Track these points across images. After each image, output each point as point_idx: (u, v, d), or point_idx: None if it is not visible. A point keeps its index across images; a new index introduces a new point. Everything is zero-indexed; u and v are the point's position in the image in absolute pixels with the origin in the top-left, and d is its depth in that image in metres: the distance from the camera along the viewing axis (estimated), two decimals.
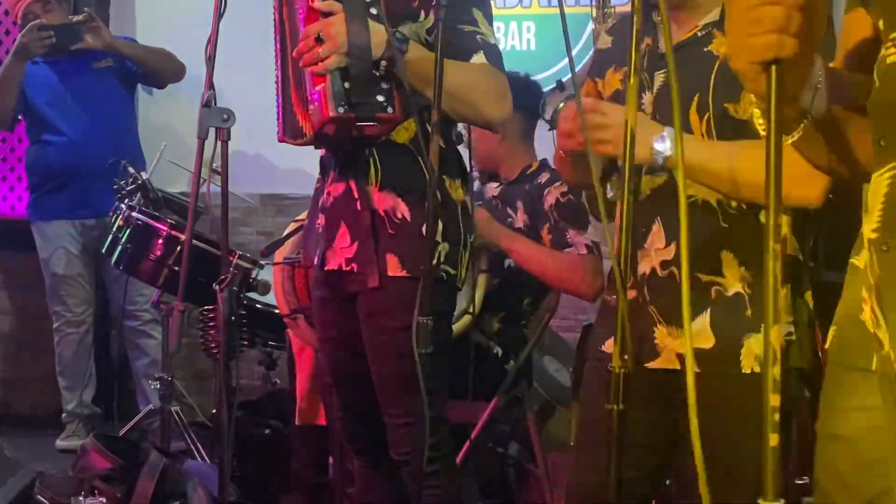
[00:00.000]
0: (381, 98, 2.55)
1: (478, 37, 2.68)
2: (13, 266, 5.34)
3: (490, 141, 3.84)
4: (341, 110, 2.54)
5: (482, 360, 3.88)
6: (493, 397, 3.79)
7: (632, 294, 2.36)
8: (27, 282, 5.05)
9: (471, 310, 3.64)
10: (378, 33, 2.50)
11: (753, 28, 1.14)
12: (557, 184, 3.92)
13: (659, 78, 2.30)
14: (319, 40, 2.50)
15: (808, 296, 2.37)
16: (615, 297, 2.35)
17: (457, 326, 3.38)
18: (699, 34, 2.25)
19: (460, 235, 2.79)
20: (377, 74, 2.56)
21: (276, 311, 3.82)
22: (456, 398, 3.63)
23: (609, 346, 2.39)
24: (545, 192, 3.93)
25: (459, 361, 3.69)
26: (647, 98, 2.31)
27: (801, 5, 1.13)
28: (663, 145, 2.20)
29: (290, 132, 2.77)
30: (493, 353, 3.88)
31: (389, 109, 2.54)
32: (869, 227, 1.37)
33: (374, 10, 2.53)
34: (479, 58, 2.65)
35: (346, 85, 2.54)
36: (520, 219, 3.95)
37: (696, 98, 2.21)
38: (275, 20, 2.79)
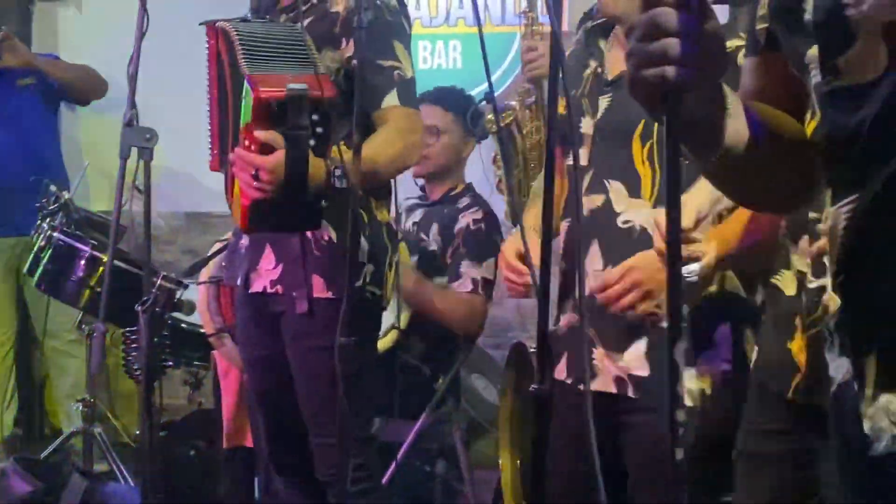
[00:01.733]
0: (304, 214, 2.68)
1: (395, 73, 2.72)
2: None
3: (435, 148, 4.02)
4: (256, 228, 2.73)
5: (410, 379, 3.92)
6: (421, 416, 3.83)
7: (570, 319, 2.42)
8: None
9: (397, 324, 3.63)
10: (316, 168, 2.55)
11: (641, 60, 1.15)
12: (474, 209, 4.00)
13: (603, 103, 2.34)
14: (260, 176, 2.54)
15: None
16: (559, 325, 2.45)
17: (383, 342, 3.39)
18: None
19: (386, 255, 2.83)
20: (305, 199, 2.64)
21: (202, 330, 3.86)
22: (383, 417, 3.73)
23: (560, 372, 2.41)
24: (460, 215, 3.99)
25: (387, 380, 3.78)
26: (587, 122, 2.36)
27: (689, 33, 1.13)
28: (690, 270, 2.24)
29: (220, 164, 2.86)
30: (420, 372, 3.95)
31: (315, 220, 2.70)
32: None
33: (312, 142, 2.57)
34: (391, 97, 2.70)
35: (270, 206, 2.63)
36: (433, 241, 4.02)
37: (640, 126, 2.25)
38: (210, 66, 2.85)
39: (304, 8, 2.76)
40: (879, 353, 1.19)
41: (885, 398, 1.18)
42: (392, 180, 2.96)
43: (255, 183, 2.53)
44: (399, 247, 3.17)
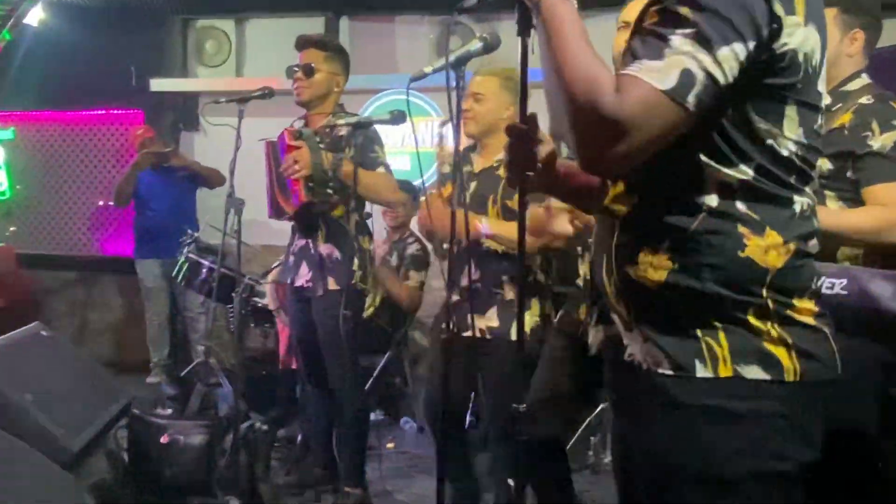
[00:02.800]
0: (329, 191, 2.96)
1: (379, 160, 3.09)
2: None
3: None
4: (307, 197, 2.94)
5: (380, 333, 4.27)
6: (388, 351, 4.34)
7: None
8: None
9: (375, 303, 4.13)
10: (326, 158, 2.94)
11: (510, 162, 1.39)
12: (416, 244, 4.37)
13: (472, 184, 2.81)
14: (295, 162, 2.91)
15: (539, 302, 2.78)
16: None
17: (366, 313, 3.81)
18: (494, 164, 2.74)
19: (367, 267, 3.15)
20: (327, 179, 2.92)
21: (269, 307, 4.22)
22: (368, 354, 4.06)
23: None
24: (409, 246, 4.42)
25: (367, 334, 3.85)
26: (467, 194, 2.79)
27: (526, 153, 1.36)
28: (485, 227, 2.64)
29: (274, 213, 3.20)
30: (386, 330, 4.35)
31: (335, 197, 2.97)
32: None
33: (322, 146, 2.99)
34: (381, 169, 3.07)
35: (310, 185, 2.94)
36: (394, 259, 4.43)
37: (491, 196, 2.73)
38: (266, 153, 3.18)
39: (326, 131, 3.10)
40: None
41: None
42: (370, 226, 3.23)
43: (296, 167, 2.88)
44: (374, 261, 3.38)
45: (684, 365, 1.20)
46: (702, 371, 1.19)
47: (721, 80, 1.11)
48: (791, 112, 1.22)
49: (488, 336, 2.71)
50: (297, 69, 3.17)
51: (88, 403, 2.79)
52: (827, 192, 2.20)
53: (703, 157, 1.20)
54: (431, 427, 3.03)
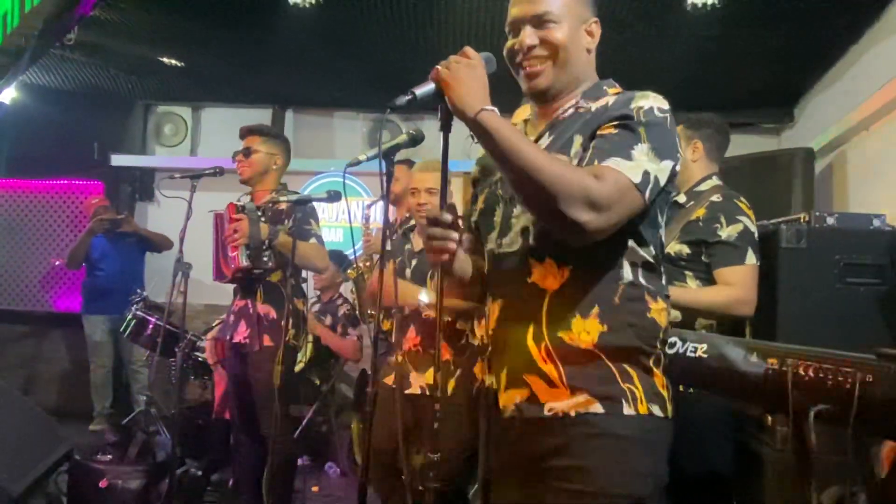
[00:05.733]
0: (265, 258, 2.95)
1: (312, 232, 3.08)
2: None
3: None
4: (245, 263, 2.95)
5: (310, 386, 4.27)
6: (315, 402, 4.28)
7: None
8: None
9: (303, 357, 4.06)
10: (264, 229, 2.94)
11: (428, 239, 1.39)
12: (346, 305, 4.41)
13: (414, 261, 2.71)
14: (235, 232, 2.93)
15: None
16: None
17: (297, 367, 3.69)
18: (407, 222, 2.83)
19: (300, 326, 3.13)
20: (264, 248, 2.93)
21: (209, 361, 4.14)
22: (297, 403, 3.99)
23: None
24: (339, 307, 4.45)
25: (299, 386, 4.05)
26: (408, 271, 2.71)
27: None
28: (426, 297, 2.50)
29: (218, 276, 3.18)
30: (315, 383, 4.36)
31: (270, 264, 2.96)
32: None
33: (263, 219, 3.00)
34: (313, 240, 3.05)
35: (248, 252, 2.95)
36: (328, 320, 4.39)
37: (429, 273, 2.63)
38: (214, 230, 3.22)
39: (269, 206, 3.08)
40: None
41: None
42: (304, 290, 3.21)
43: (236, 237, 2.90)
44: (309, 320, 3.52)
45: (615, 405, 1.34)
46: (627, 409, 1.34)
47: (662, 183, 1.36)
48: (665, 211, 1.49)
49: (427, 392, 2.61)
50: (238, 153, 3.17)
51: (32, 449, 2.71)
52: (686, 273, 2.32)
53: (630, 242, 1.40)
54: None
